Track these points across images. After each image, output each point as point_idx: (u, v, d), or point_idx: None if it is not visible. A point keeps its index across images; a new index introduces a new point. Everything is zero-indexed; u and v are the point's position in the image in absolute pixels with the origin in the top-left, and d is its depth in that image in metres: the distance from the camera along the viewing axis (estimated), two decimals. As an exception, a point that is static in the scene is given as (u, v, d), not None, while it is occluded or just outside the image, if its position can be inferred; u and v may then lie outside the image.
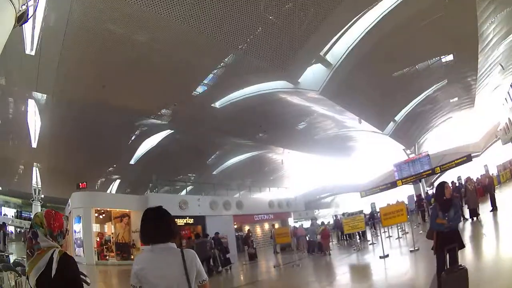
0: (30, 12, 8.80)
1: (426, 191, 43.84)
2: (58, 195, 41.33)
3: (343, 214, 34.04)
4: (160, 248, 3.45)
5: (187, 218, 30.94)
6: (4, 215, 45.72)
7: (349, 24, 21.24)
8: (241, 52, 20.93)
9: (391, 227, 23.99)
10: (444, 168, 41.68)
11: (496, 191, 24.32)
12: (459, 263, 7.49)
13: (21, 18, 8.50)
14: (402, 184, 43.18)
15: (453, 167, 40.49)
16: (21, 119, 27.37)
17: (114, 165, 40.67)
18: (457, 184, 27.92)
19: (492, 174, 31.17)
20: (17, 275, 11.05)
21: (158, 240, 3.47)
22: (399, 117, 36.78)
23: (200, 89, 25.74)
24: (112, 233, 29.96)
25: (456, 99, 37.79)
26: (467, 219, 20.51)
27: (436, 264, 7.87)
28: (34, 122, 27.64)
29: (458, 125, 47.85)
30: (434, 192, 10.35)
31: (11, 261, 17.10)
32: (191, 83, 24.89)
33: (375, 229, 30.15)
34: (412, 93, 33.41)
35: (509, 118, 41.34)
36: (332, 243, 27.98)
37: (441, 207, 8.07)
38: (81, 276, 3.78)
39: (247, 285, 17.58)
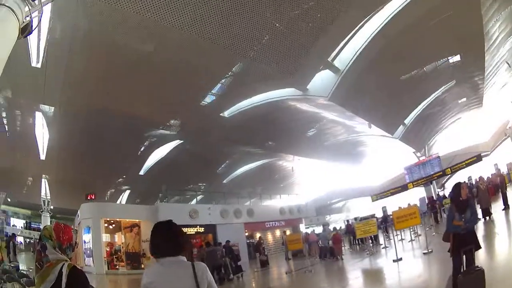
0: (34, 24, 8.77)
1: (437, 192, 43.59)
2: (68, 206, 41.46)
3: (355, 219, 33.91)
4: (170, 261, 3.40)
5: (198, 227, 30.96)
6: (13, 225, 45.75)
7: (356, 29, 21.09)
8: (249, 60, 20.84)
9: (403, 230, 23.83)
10: (454, 169, 41.51)
11: (507, 189, 24.18)
12: (475, 264, 7.39)
13: (25, 30, 8.47)
14: (413, 187, 43.05)
15: (464, 167, 40.30)
16: (29, 132, 27.36)
17: (124, 176, 40.65)
18: (468, 185, 27.77)
19: (503, 172, 30.95)
20: (21, 286, 11.00)
21: (168, 253, 3.43)
22: (408, 120, 36.57)
23: (208, 99, 25.65)
24: (122, 243, 30.08)
25: (464, 99, 37.58)
26: (479, 219, 20.31)
27: (453, 266, 7.72)
28: (42, 134, 27.67)
29: (467, 125, 47.62)
30: (450, 193, 10.22)
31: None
32: (199, 93, 24.81)
33: (387, 233, 29.85)
34: (421, 95, 33.23)
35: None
36: (344, 248, 27.83)
37: (458, 208, 7.94)
38: None
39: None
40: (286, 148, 38.62)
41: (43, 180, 39.81)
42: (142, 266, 28.07)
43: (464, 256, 7.57)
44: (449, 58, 27.25)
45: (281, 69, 21.67)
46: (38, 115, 25.10)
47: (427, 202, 33.26)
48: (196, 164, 37.22)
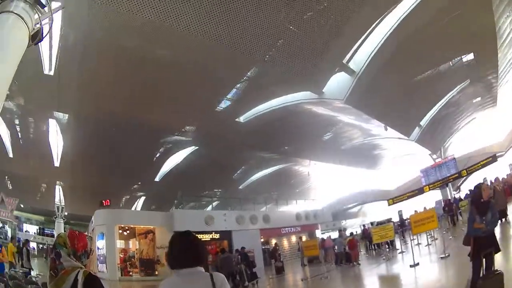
0: (45, 31, 8.78)
1: (453, 195, 43.27)
2: (82, 212, 41.91)
3: (371, 223, 33.69)
4: (188, 272, 3.33)
5: (213, 233, 30.95)
6: (25, 231, 46.03)
7: (369, 30, 21.06)
8: (264, 64, 20.88)
9: (420, 234, 23.58)
10: (470, 171, 41.21)
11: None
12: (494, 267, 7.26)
13: (35, 37, 8.52)
14: (429, 190, 42.81)
15: (479, 168, 40.00)
16: (43, 139, 27.61)
17: (139, 183, 40.92)
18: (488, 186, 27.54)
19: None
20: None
21: (186, 264, 3.35)
22: (424, 121, 36.42)
23: (223, 104, 25.69)
24: (136, 249, 30.13)
25: (479, 99, 37.36)
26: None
27: (472, 270, 7.61)
28: (56, 141, 27.91)
29: (482, 125, 47.29)
30: (470, 194, 10.02)
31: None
32: (215, 98, 24.89)
33: (403, 237, 29.60)
34: (436, 96, 33.10)
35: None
36: (360, 253, 27.59)
37: (478, 210, 7.79)
38: None
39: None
40: (302, 153, 38.65)
41: (57, 186, 40.20)
42: (156, 273, 28.26)
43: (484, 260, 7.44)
44: (462, 56, 27.23)
45: (296, 72, 21.66)
46: (52, 122, 25.37)
47: (443, 205, 32.99)
48: (212, 170, 37.29)
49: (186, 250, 3.44)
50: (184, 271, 3.32)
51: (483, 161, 40.05)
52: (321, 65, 21.64)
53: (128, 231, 30.37)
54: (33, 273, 19.00)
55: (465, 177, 44.03)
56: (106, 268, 26.75)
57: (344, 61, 23.00)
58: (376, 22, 20.53)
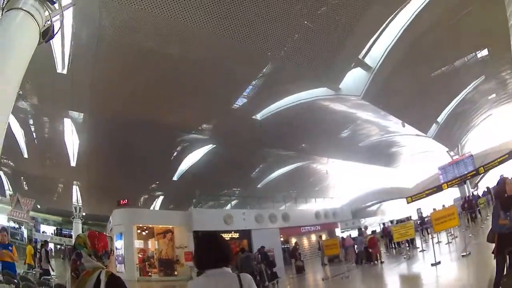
0: (55, 28, 8.86)
1: (471, 192, 43.07)
2: (100, 212, 41.97)
3: (391, 222, 33.61)
4: (216, 273, 3.36)
5: (233, 232, 31.00)
6: (43, 232, 46.36)
7: (385, 24, 21.05)
8: (279, 60, 20.95)
9: (439, 232, 23.49)
10: (487, 168, 41.04)
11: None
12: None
13: (46, 34, 8.58)
14: (448, 187, 42.59)
15: (496, 165, 39.84)
16: (58, 138, 27.91)
17: (157, 182, 41.07)
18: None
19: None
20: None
21: (213, 265, 3.39)
22: (441, 118, 36.35)
23: (240, 102, 25.78)
24: (155, 249, 30.29)
25: (494, 95, 37.30)
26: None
27: (496, 268, 7.47)
28: (72, 141, 28.20)
29: (498, 121, 46.97)
30: (494, 189, 9.87)
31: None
32: (231, 95, 24.99)
33: (423, 235, 29.46)
34: (452, 92, 33.04)
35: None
36: (381, 251, 27.57)
37: (503, 205, 7.54)
38: None
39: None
40: (319, 151, 38.74)
41: (74, 186, 40.37)
42: (176, 273, 28.31)
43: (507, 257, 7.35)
44: (477, 52, 27.18)
45: (312, 68, 21.71)
46: (67, 122, 25.63)
47: (462, 202, 32.81)
48: (230, 169, 37.42)
49: (211, 250, 3.48)
50: (211, 272, 3.37)
51: (500, 158, 39.85)
52: (337, 60, 21.70)
53: (146, 231, 30.53)
54: (52, 273, 19.09)
55: (482, 174, 43.84)
56: (125, 268, 26.95)
57: (360, 56, 23.04)
58: (390, 17, 20.56)
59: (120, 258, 27.82)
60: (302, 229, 38.95)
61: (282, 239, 36.40)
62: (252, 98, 25.47)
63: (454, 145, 45.31)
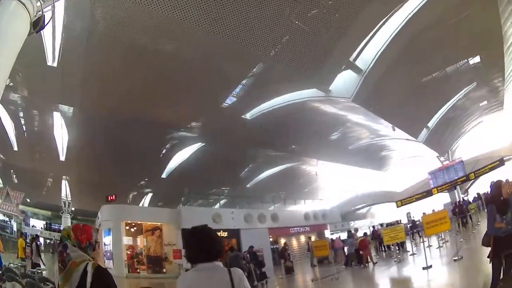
0: (46, 19, 8.76)
1: (461, 198, 43.21)
2: (89, 207, 41.67)
3: (381, 225, 33.66)
4: (206, 267, 3.35)
5: (221, 231, 30.88)
6: (32, 226, 46.26)
7: (376, 28, 21.18)
8: (269, 60, 20.98)
9: (430, 236, 23.48)
10: (478, 174, 41.17)
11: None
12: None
13: (37, 25, 8.48)
14: (438, 192, 42.73)
15: (487, 172, 39.91)
16: (48, 132, 27.75)
17: (146, 179, 41.06)
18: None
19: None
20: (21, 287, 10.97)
21: (204, 259, 3.37)
22: (432, 123, 36.57)
23: (229, 101, 25.86)
24: (143, 246, 30.13)
25: (485, 102, 37.74)
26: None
27: (492, 272, 7.42)
28: (61, 135, 27.99)
29: (489, 128, 47.35)
30: (487, 193, 9.85)
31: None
32: (221, 94, 25.08)
33: (414, 239, 29.52)
34: (443, 97, 33.37)
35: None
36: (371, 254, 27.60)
37: (498, 208, 7.47)
38: None
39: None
40: (309, 152, 38.91)
41: (63, 181, 40.30)
42: (164, 270, 28.30)
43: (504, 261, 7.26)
44: (469, 59, 27.44)
45: (302, 69, 21.73)
46: (57, 115, 25.46)
47: (452, 207, 32.90)
48: (219, 168, 37.44)
49: (204, 244, 3.43)
50: (202, 266, 3.35)
51: (490, 165, 40.01)
52: (328, 62, 21.70)
53: (135, 228, 30.33)
54: (43, 267, 18.98)
55: (473, 180, 44.05)
56: (113, 264, 26.75)
57: (351, 59, 23.12)
58: (383, 20, 20.68)
59: (108, 254, 27.71)
60: (291, 230, 39.19)
61: (271, 239, 36.50)
62: (241, 97, 25.54)
63: (445, 151, 45.57)
